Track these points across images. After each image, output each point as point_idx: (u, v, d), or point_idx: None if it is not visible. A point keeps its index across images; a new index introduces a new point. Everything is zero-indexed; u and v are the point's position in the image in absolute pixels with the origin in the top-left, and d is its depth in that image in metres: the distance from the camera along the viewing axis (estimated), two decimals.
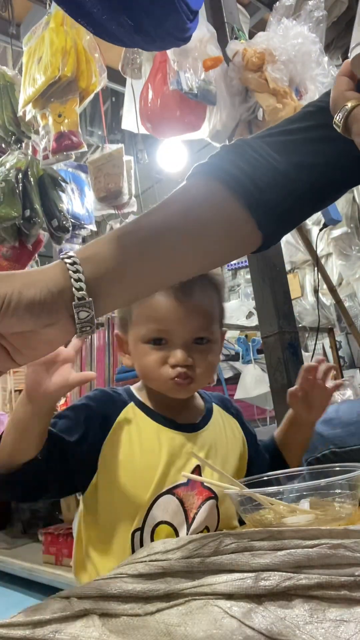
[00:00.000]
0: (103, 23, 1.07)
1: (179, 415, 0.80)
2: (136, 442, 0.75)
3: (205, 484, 0.75)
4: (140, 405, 0.79)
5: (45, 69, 1.78)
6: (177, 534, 0.72)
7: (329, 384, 0.87)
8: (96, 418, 0.75)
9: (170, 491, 0.73)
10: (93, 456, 0.74)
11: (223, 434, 0.84)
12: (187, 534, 0.72)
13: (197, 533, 0.71)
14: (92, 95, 1.94)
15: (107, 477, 0.74)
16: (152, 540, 0.71)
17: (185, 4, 1.10)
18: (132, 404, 0.79)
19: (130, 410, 0.78)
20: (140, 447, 0.75)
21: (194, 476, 0.72)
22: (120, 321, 0.83)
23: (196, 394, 0.86)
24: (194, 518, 0.73)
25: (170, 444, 0.76)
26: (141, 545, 0.71)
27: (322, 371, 0.87)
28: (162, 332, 0.76)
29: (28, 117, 1.97)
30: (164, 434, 0.77)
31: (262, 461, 0.89)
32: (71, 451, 0.72)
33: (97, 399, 0.78)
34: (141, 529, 0.71)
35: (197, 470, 0.76)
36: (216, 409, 0.87)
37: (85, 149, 1.98)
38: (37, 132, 2.09)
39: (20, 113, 1.95)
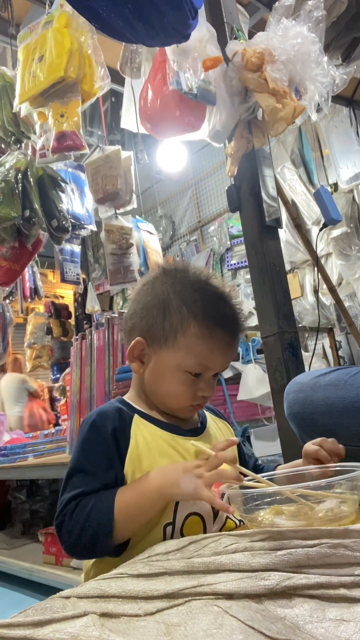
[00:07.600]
0: (106, 16, 1.08)
1: (181, 421, 0.84)
2: (155, 453, 0.77)
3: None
4: (145, 417, 0.82)
5: (50, 69, 1.77)
6: (204, 524, 0.76)
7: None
8: (112, 448, 0.76)
9: None
10: (120, 473, 0.76)
11: (220, 433, 0.90)
12: (213, 522, 0.77)
13: (223, 520, 0.75)
14: (93, 99, 1.94)
15: None
16: (182, 532, 0.74)
17: (189, 0, 1.11)
18: (136, 416, 0.81)
19: (140, 424, 0.80)
20: (160, 457, 0.77)
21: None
22: (150, 333, 0.81)
23: None
24: None
25: (184, 448, 0.79)
26: (172, 537, 0.74)
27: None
28: (206, 369, 0.80)
29: (23, 114, 1.97)
30: (176, 440, 0.80)
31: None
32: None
33: (100, 427, 0.78)
34: (173, 522, 0.74)
35: None
36: (206, 413, 0.92)
37: (87, 151, 1.98)
38: (34, 131, 2.09)
39: (15, 109, 1.94)
